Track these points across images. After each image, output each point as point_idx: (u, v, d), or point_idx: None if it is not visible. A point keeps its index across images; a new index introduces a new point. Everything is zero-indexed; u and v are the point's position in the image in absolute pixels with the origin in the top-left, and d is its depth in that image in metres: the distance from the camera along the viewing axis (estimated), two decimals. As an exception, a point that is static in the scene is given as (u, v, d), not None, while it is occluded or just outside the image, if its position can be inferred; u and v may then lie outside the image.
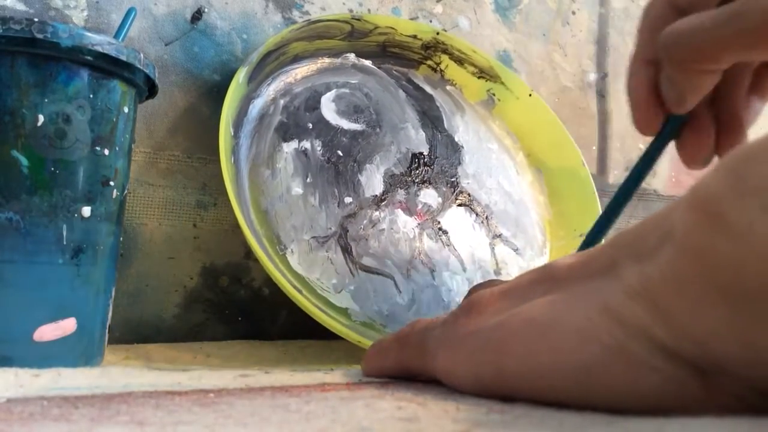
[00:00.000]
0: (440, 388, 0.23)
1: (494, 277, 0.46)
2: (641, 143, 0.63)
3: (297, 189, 0.42)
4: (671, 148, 0.31)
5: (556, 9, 0.60)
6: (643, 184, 0.62)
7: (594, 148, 0.61)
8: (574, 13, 0.61)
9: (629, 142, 0.62)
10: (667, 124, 0.30)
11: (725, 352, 0.15)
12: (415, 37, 0.51)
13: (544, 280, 0.21)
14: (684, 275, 0.16)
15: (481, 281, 0.31)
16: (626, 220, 0.61)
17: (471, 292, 0.28)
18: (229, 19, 0.45)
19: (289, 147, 0.43)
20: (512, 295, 0.22)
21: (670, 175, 0.65)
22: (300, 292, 0.37)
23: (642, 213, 0.62)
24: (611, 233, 0.33)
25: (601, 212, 0.32)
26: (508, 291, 0.22)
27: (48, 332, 0.28)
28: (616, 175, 0.61)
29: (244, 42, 0.45)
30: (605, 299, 0.18)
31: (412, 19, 0.53)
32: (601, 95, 0.62)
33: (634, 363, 0.16)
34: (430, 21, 0.54)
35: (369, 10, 0.51)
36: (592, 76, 0.62)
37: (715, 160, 0.30)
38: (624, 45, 0.64)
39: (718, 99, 0.30)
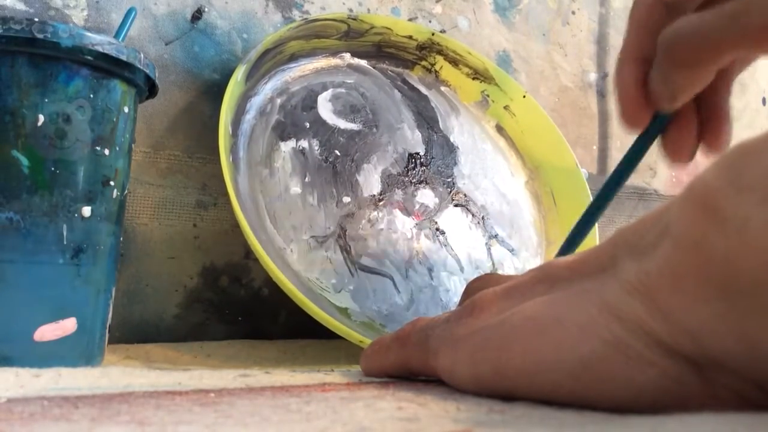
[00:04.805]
0: (441, 387, 0.23)
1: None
2: (641, 143, 0.63)
3: (295, 188, 0.42)
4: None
5: (556, 9, 0.60)
6: (643, 184, 0.62)
7: (594, 147, 0.61)
8: (574, 13, 0.61)
9: (629, 142, 0.62)
10: (655, 121, 0.30)
11: (721, 347, 0.15)
12: (410, 37, 0.51)
13: (544, 278, 0.21)
14: (680, 270, 0.16)
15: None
16: (626, 219, 0.61)
17: (468, 286, 0.28)
18: (229, 19, 0.45)
19: (287, 146, 0.43)
20: (513, 294, 0.22)
21: (671, 175, 0.65)
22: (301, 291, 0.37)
23: (642, 213, 0.62)
24: (602, 231, 0.34)
25: (584, 210, 0.33)
26: (510, 290, 0.22)
27: (48, 332, 0.28)
28: (616, 175, 0.61)
29: (245, 41, 0.45)
30: (604, 296, 0.18)
31: (411, 19, 0.53)
32: (602, 95, 0.62)
33: (632, 358, 0.17)
34: (430, 21, 0.54)
35: (368, 10, 0.51)
36: (593, 76, 0.62)
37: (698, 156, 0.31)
38: (623, 45, 0.64)
39: (703, 92, 0.30)
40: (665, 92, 0.28)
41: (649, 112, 0.30)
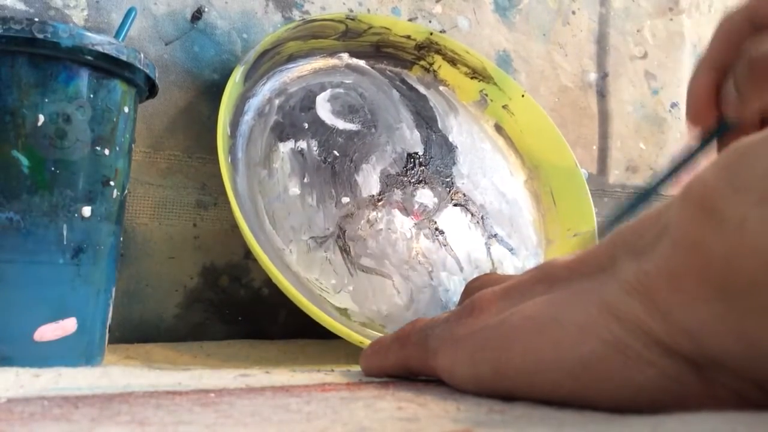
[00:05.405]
0: (441, 388, 0.23)
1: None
2: (641, 143, 0.63)
3: (294, 189, 0.42)
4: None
5: (556, 9, 0.60)
6: (643, 184, 0.62)
7: (594, 147, 0.61)
8: (574, 13, 0.61)
9: (629, 142, 0.62)
10: (719, 126, 0.32)
11: (720, 347, 0.15)
12: (408, 37, 0.51)
13: (543, 278, 0.21)
14: (678, 270, 0.16)
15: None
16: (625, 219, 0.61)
17: (467, 286, 0.28)
18: (229, 19, 0.45)
19: (286, 147, 0.43)
20: (513, 294, 0.22)
21: (669, 174, 0.65)
22: (300, 292, 0.37)
23: (641, 213, 0.62)
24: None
25: (631, 199, 0.35)
26: (509, 290, 0.22)
27: (48, 332, 0.28)
28: (616, 175, 0.61)
29: (244, 41, 0.45)
30: (603, 296, 0.18)
31: (411, 19, 0.53)
32: (602, 95, 0.62)
33: (631, 358, 0.17)
34: (430, 21, 0.54)
35: (368, 10, 0.51)
36: (593, 76, 0.62)
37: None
38: (624, 45, 0.64)
39: None
40: (735, 101, 0.30)
41: (715, 115, 0.32)
